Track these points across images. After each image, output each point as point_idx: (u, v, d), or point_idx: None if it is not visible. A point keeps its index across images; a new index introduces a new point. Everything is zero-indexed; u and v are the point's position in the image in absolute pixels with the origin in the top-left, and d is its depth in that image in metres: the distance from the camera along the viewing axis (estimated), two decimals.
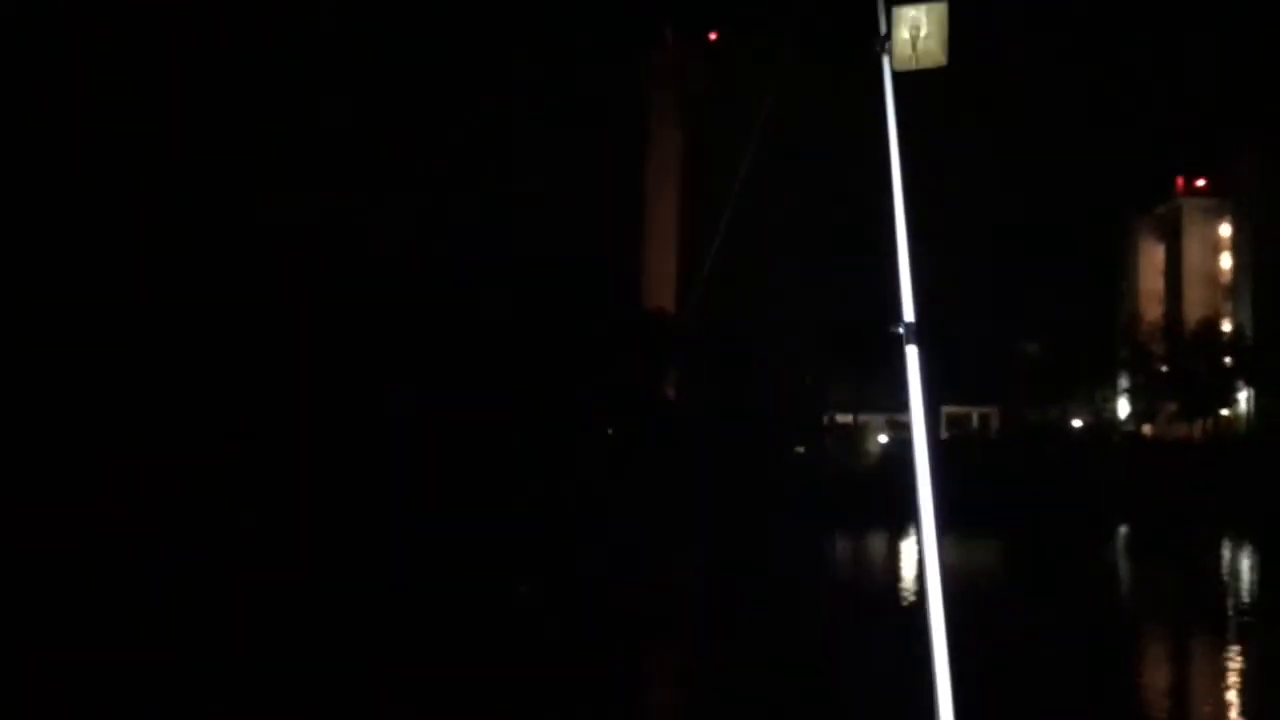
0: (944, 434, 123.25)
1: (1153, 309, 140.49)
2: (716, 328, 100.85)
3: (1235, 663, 30.43)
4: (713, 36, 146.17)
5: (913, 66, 5.14)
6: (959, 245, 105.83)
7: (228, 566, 47.17)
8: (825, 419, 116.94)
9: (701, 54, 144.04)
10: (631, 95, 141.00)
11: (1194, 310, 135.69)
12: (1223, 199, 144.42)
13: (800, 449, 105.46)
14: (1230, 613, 40.94)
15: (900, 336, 5.09)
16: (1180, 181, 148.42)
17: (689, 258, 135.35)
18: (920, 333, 5.07)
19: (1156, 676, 29.75)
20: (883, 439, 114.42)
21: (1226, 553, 64.97)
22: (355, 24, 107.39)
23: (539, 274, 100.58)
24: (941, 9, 5.11)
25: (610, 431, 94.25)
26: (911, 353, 5.07)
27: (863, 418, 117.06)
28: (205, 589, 40.49)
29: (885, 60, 5.18)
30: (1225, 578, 54.25)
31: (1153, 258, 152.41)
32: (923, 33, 5.08)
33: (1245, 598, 47.16)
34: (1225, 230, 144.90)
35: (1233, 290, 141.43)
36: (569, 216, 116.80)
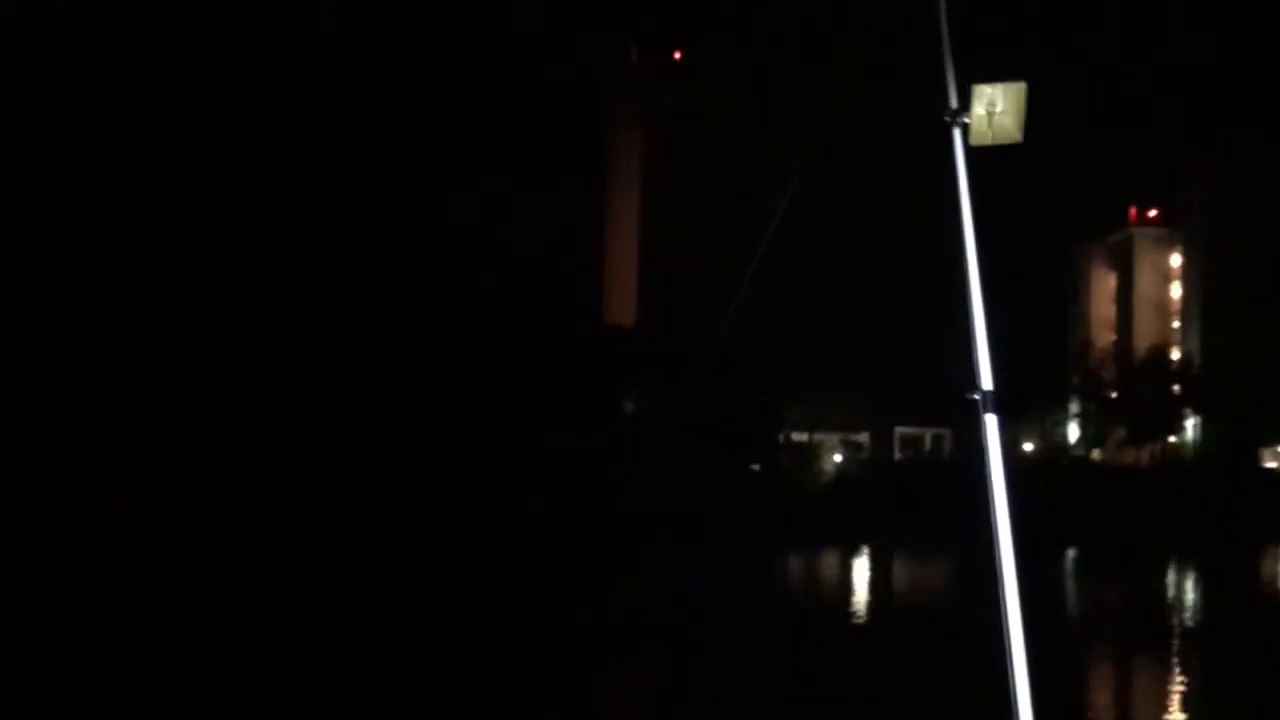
0: (897, 455, 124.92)
1: (1104, 336, 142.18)
2: (678, 344, 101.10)
3: (1176, 676, 32.23)
4: (677, 55, 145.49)
5: (988, 142, 5.18)
6: (911, 268, 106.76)
7: (228, 565, 47.96)
8: (781, 437, 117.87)
9: (667, 71, 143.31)
10: (595, 111, 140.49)
11: (1144, 338, 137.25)
12: (1174, 229, 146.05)
13: (755, 466, 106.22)
14: (1174, 630, 42.55)
15: (978, 403, 5.12)
16: (1133, 211, 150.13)
17: (650, 274, 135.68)
18: (999, 401, 5.15)
19: (1099, 689, 31.41)
20: (838, 458, 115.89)
21: (1171, 576, 66.56)
22: (355, 24, 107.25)
23: (499, 288, 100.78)
24: (1020, 88, 5.17)
25: (565, 446, 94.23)
26: (990, 421, 5.12)
27: (818, 437, 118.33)
28: (205, 588, 41.40)
29: (956, 133, 5.21)
30: (1169, 600, 55.81)
31: (1104, 285, 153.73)
32: (999, 109, 5.15)
33: (1187, 616, 48.87)
34: (1176, 260, 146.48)
35: (1182, 319, 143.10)
36: (530, 231, 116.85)
